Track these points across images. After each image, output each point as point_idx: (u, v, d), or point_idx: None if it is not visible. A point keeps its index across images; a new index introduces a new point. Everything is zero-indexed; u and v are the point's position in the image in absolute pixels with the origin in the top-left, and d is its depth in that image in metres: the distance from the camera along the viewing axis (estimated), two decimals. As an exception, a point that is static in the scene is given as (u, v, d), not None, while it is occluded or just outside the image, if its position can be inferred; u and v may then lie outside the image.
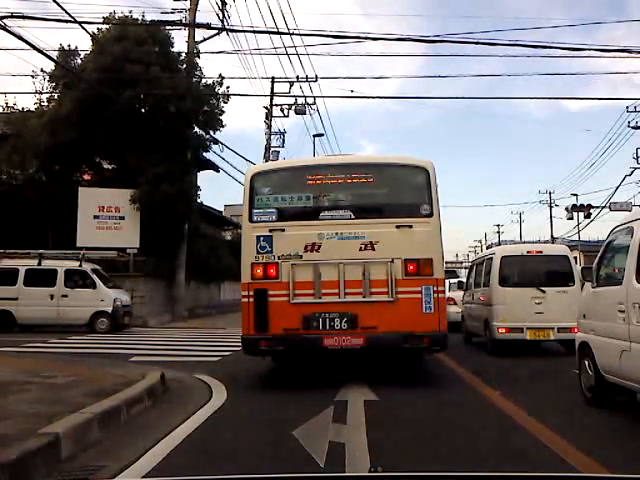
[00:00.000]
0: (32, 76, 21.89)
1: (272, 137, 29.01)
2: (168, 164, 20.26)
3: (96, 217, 20.77)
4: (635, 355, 5.38)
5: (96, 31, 20.20)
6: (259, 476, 2.58)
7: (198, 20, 21.92)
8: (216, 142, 23.12)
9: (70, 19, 14.14)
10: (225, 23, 21.30)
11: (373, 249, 7.64)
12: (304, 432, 5.11)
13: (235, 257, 15.46)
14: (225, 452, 4.80)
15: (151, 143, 20.28)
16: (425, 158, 8.25)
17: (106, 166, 23.16)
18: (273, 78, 27.91)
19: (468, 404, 6.76)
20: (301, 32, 37.84)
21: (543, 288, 11.13)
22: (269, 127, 28.69)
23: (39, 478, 3.93)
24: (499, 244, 53.28)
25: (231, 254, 23.43)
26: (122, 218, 20.93)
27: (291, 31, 26.74)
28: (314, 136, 31.28)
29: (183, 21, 21.55)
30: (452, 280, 18.05)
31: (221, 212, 36.62)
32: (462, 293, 15.22)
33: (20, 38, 13.78)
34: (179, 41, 64.02)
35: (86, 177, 23.38)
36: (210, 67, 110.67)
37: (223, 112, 22.09)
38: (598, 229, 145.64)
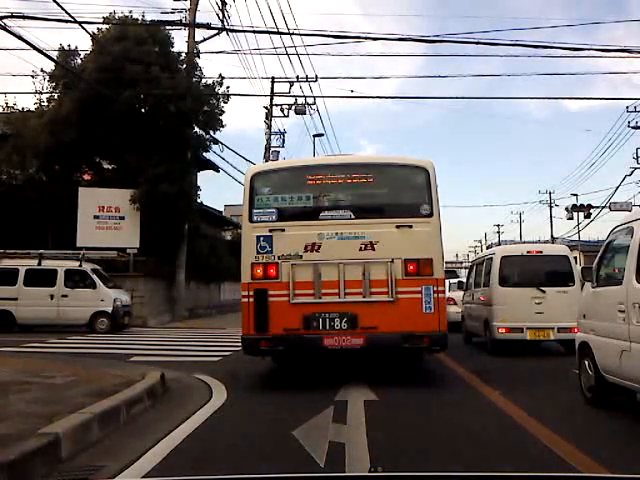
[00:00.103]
0: (32, 76, 21.92)
1: (272, 137, 29.05)
2: (168, 164, 20.26)
3: (96, 217, 20.77)
4: (635, 355, 5.38)
5: (96, 31, 20.21)
6: (259, 476, 2.58)
7: (198, 20, 21.96)
8: (216, 142, 23.15)
9: (70, 19, 14.17)
10: (225, 23, 21.33)
11: (373, 249, 7.63)
12: (304, 432, 5.11)
13: (235, 257, 15.45)
14: (225, 452, 4.80)
15: (151, 143, 20.28)
16: (425, 158, 8.26)
17: (106, 166, 23.16)
18: (273, 78, 27.94)
19: (468, 404, 6.76)
20: (301, 32, 37.91)
21: (543, 288, 11.13)
22: (269, 127, 28.71)
23: (39, 478, 3.93)
24: (499, 244, 53.29)
25: (231, 254, 23.43)
26: (122, 218, 20.93)
27: (291, 31, 26.81)
28: (314, 136, 31.33)
29: (183, 21, 21.55)
30: (452, 280, 18.05)
31: (221, 212, 36.62)
32: (462, 293, 15.22)
33: (20, 38, 13.79)
34: (179, 41, 64.15)
35: (86, 177, 23.39)
36: (210, 67, 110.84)
37: (223, 112, 22.12)
38: (598, 229, 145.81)
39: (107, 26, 20.79)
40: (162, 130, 20.24)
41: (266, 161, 26.24)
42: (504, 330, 11.09)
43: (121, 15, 21.25)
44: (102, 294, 16.87)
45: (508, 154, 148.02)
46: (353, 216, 7.88)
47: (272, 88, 28.13)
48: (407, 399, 6.87)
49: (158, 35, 21.30)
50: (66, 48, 21.47)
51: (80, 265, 17.11)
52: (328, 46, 22.92)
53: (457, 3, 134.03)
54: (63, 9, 13.96)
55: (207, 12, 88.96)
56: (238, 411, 6.50)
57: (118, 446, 4.84)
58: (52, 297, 16.70)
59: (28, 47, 14.49)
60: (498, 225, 71.18)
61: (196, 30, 21.62)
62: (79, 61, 21.90)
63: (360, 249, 7.64)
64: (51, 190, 20.97)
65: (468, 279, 14.77)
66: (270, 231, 7.74)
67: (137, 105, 21.14)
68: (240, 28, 22.21)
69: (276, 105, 28.64)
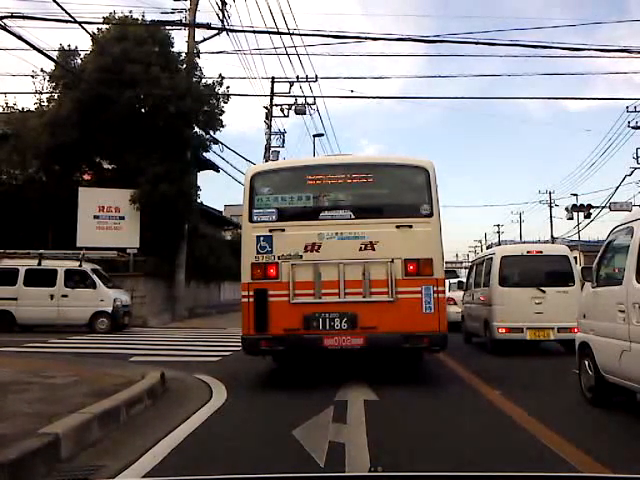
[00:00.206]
0: (32, 76, 21.94)
1: (272, 137, 29.05)
2: (168, 164, 20.27)
3: (96, 217, 20.78)
4: (635, 355, 5.38)
5: (96, 31, 20.22)
6: (259, 476, 2.58)
7: (198, 20, 21.97)
8: (216, 142, 23.16)
9: (70, 19, 14.15)
10: (225, 23, 21.34)
11: (373, 249, 7.64)
12: (304, 432, 5.11)
13: (235, 257, 15.48)
14: (225, 452, 4.80)
15: (151, 143, 20.29)
16: (425, 158, 8.26)
17: (106, 166, 23.16)
18: (273, 78, 27.95)
19: (468, 404, 6.77)
20: (301, 32, 37.89)
21: (543, 288, 11.14)
22: (269, 127, 28.71)
23: (39, 478, 3.93)
24: (499, 244, 53.27)
25: (231, 254, 23.45)
26: (122, 218, 20.94)
27: (291, 31, 26.79)
28: (314, 136, 31.34)
29: (183, 21, 21.56)
30: (452, 280, 18.08)
31: (221, 212, 36.64)
32: (462, 293, 15.23)
33: (20, 38, 13.79)
34: (179, 41, 64.21)
35: (86, 177, 23.38)
36: (210, 67, 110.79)
37: (223, 112, 22.14)
38: (598, 229, 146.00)
39: (107, 26, 20.81)
40: (162, 130, 20.24)
41: (266, 161, 26.23)
42: (504, 330, 11.09)
43: (121, 15, 21.26)
44: (102, 294, 16.87)
45: (508, 154, 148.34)
46: (353, 216, 7.88)
47: (272, 88, 28.15)
48: (407, 399, 6.87)
49: (158, 35, 21.30)
50: (66, 48, 21.50)
51: (80, 265, 17.11)
52: (328, 46, 23.05)
53: (457, 3, 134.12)
54: (63, 9, 13.97)
55: (207, 12, 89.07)
56: (238, 411, 6.50)
57: (118, 446, 4.84)
58: (52, 297, 16.70)
59: (28, 47, 14.52)
60: (498, 225, 71.33)
61: (196, 30, 21.64)
62: (79, 61, 21.92)
63: (360, 249, 7.64)
64: (51, 190, 20.99)
65: (468, 279, 14.77)
66: (270, 231, 7.74)
67: (137, 105, 21.14)
68: (240, 28, 22.29)
69: (276, 105, 28.67)
